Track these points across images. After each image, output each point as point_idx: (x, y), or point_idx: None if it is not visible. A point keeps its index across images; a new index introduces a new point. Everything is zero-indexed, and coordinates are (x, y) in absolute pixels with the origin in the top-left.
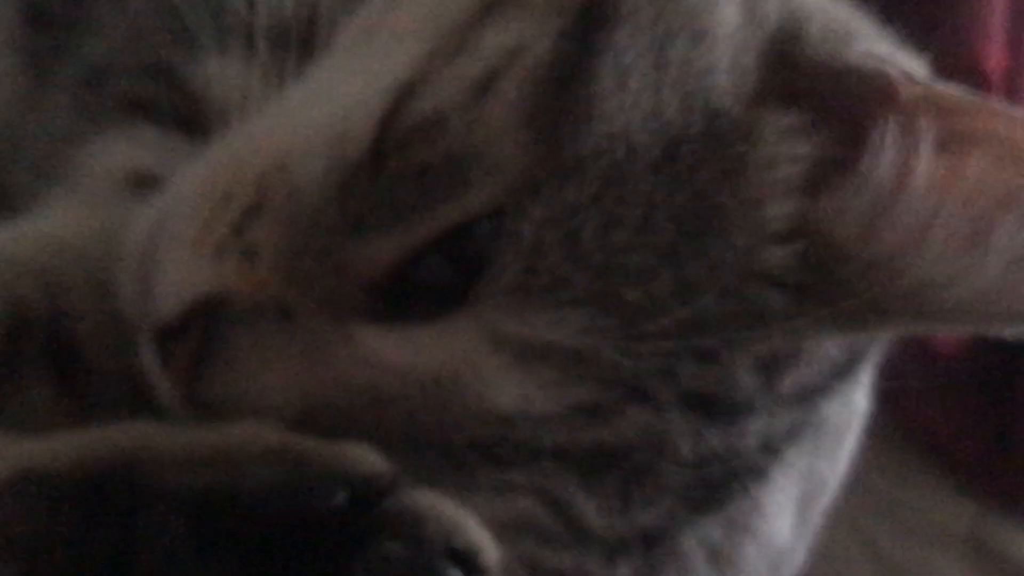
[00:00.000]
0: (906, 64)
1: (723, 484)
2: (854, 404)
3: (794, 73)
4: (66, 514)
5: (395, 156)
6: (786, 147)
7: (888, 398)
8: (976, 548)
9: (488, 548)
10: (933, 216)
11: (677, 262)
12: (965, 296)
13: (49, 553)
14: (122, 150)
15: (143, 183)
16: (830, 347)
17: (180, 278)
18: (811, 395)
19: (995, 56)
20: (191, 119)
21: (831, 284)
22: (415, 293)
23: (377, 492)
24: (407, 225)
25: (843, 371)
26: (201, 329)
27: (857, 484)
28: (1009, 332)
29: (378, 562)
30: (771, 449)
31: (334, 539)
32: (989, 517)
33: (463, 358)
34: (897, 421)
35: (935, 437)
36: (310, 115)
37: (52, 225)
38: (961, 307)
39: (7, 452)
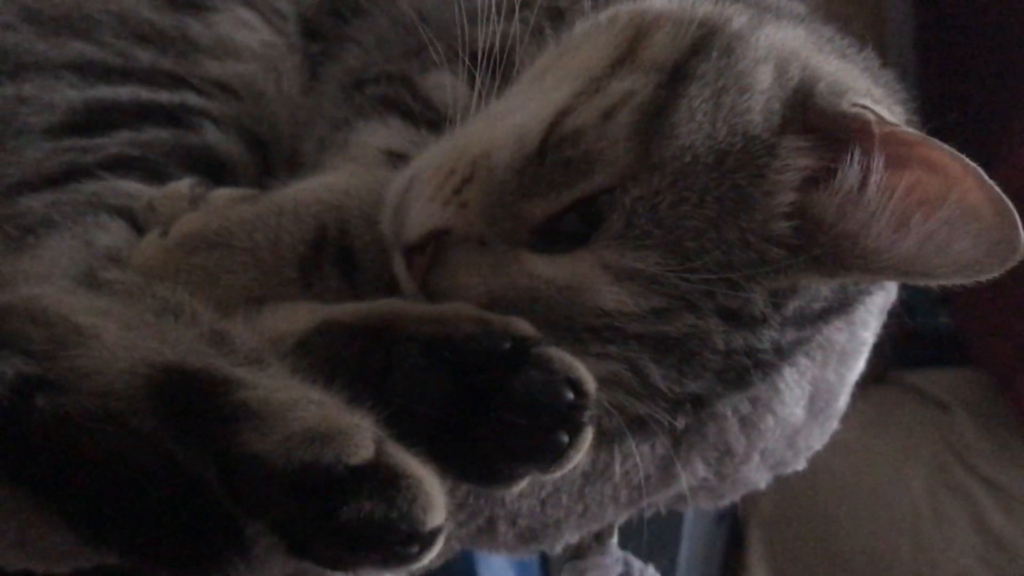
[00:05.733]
0: (881, 109)
1: (748, 371)
2: (859, 337)
3: (805, 115)
4: (350, 346)
5: (552, 152)
6: (794, 161)
7: (999, 389)
8: None
9: (591, 381)
10: (878, 208)
11: (718, 226)
12: (893, 259)
13: (340, 368)
14: (379, 134)
15: (393, 157)
16: (823, 289)
17: (421, 216)
18: (811, 320)
19: None
20: (423, 115)
21: (814, 246)
22: (559, 235)
23: (528, 344)
24: (557, 194)
25: (837, 307)
26: (432, 248)
27: (969, 465)
28: (923, 283)
29: (525, 381)
30: (782, 353)
31: (502, 368)
32: None
33: (585, 276)
34: (1006, 409)
35: None
36: (504, 123)
37: (339, 179)
38: (892, 265)
39: (317, 312)
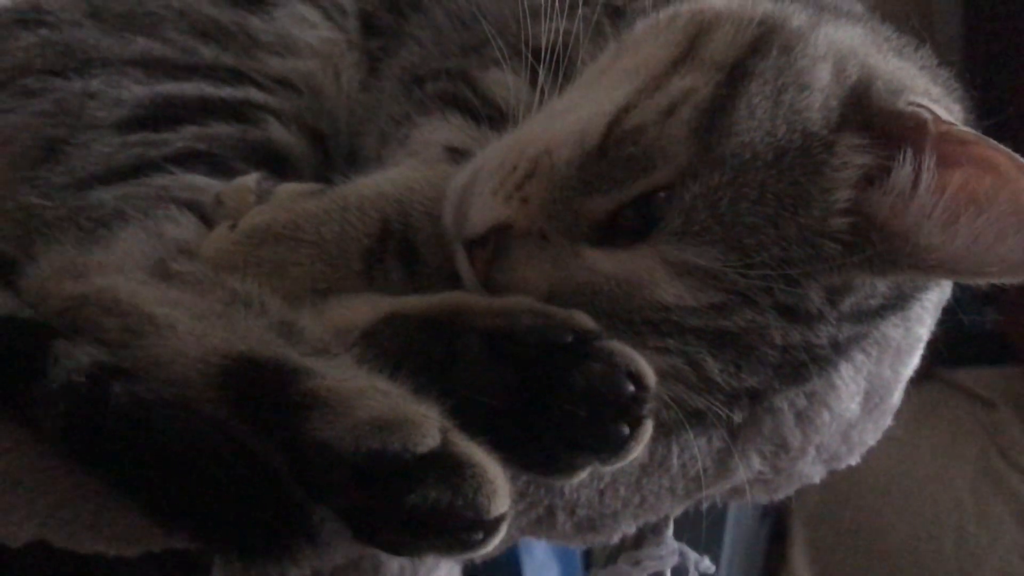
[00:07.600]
0: (938, 108)
1: (804, 366)
2: (915, 334)
3: (862, 113)
4: (415, 337)
5: (613, 149)
6: (851, 158)
7: None
8: None
9: (650, 374)
10: (929, 207)
11: (776, 222)
12: (943, 258)
13: (404, 359)
14: (441, 130)
15: (454, 153)
16: (879, 285)
17: (483, 211)
18: (867, 316)
19: None
20: (483, 112)
21: (868, 243)
22: (619, 230)
23: (589, 337)
24: (617, 190)
25: (892, 304)
26: (494, 242)
27: (1014, 462)
28: (972, 282)
29: (586, 373)
30: (839, 349)
31: (563, 360)
32: None
33: (644, 270)
34: None
35: None
36: (565, 120)
37: (401, 174)
38: (941, 264)
39: (382, 303)
